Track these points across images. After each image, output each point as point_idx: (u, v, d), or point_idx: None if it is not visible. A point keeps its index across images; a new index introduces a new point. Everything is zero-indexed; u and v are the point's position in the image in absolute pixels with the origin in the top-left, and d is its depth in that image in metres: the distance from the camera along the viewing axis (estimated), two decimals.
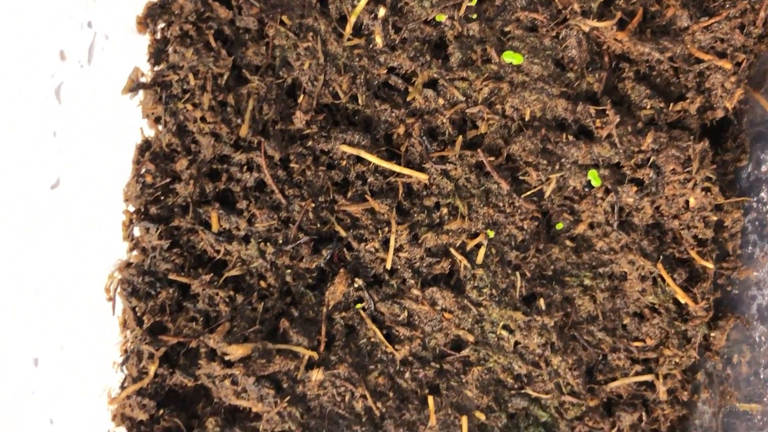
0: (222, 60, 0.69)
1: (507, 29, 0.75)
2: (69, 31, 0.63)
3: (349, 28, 0.72)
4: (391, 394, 0.76)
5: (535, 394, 0.78)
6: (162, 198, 0.70)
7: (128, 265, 0.70)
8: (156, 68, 0.68)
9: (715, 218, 0.76)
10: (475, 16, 0.73)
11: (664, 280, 0.78)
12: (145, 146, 0.69)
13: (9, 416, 0.67)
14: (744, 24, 0.74)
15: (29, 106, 0.56)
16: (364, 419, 0.75)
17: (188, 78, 0.68)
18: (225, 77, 0.69)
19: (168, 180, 0.69)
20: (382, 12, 0.72)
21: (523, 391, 0.78)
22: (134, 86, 0.66)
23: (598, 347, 0.79)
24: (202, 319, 0.71)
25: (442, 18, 0.73)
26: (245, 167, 0.71)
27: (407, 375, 0.76)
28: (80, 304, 0.66)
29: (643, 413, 0.79)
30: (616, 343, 0.79)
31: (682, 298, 0.77)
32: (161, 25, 0.68)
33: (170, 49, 0.68)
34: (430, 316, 0.76)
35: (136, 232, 0.70)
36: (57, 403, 0.63)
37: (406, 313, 0.76)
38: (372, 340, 0.76)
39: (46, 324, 0.64)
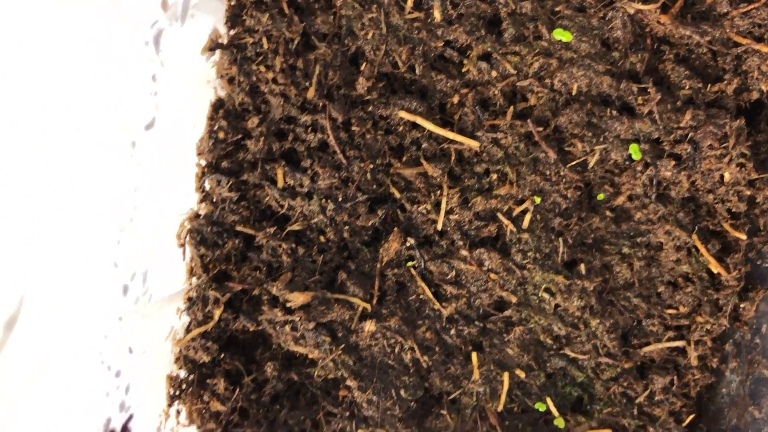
0: (294, 26, 0.74)
1: (557, 9, 0.79)
2: None
3: (410, 2, 0.77)
4: (437, 349, 0.81)
5: (573, 355, 0.82)
6: (233, 153, 0.75)
7: (198, 215, 0.75)
8: (232, 31, 0.73)
9: (748, 193, 0.81)
10: None
11: (698, 251, 0.82)
12: (218, 104, 0.74)
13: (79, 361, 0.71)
14: None
15: (130, 50, 0.61)
16: (411, 371, 0.80)
17: (262, 41, 0.73)
18: (296, 42, 0.74)
19: (239, 136, 0.74)
20: None
21: (561, 351, 0.82)
22: (212, 46, 0.71)
23: (633, 313, 0.83)
24: (265, 268, 0.76)
25: None
26: (310, 128, 0.76)
27: (453, 332, 0.81)
28: (156, 250, 0.71)
29: (675, 377, 0.83)
30: (651, 310, 0.83)
31: (715, 267, 0.82)
32: None
33: (246, 14, 0.73)
34: (477, 276, 0.80)
35: (207, 185, 0.74)
36: (124, 347, 0.68)
37: (453, 273, 0.80)
38: (421, 297, 0.80)
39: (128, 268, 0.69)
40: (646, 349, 0.83)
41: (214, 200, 0.74)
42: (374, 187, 0.78)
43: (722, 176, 0.81)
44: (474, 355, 0.81)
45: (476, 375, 0.81)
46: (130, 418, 0.66)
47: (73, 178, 0.62)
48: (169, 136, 0.67)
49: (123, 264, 0.64)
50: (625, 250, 0.82)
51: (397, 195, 0.79)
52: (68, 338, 0.61)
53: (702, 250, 0.81)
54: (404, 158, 0.79)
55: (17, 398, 0.70)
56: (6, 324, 0.61)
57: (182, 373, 0.76)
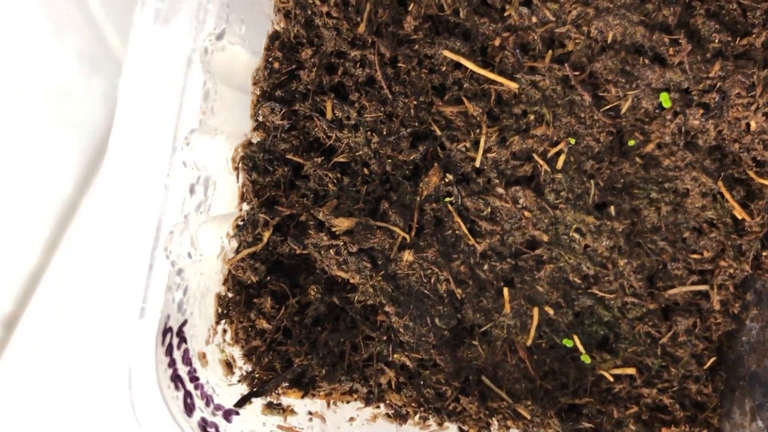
0: None
1: None
2: None
3: None
4: (470, 283, 0.84)
5: (600, 294, 0.86)
6: (286, 83, 0.79)
7: (251, 143, 0.79)
8: None
9: None
10: None
11: (723, 197, 0.86)
12: (275, 36, 0.78)
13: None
14: None
15: None
16: (446, 301, 0.83)
17: None
18: None
19: (293, 67, 0.78)
20: None
21: (589, 290, 0.86)
22: None
23: (659, 256, 0.86)
24: (312, 196, 0.80)
25: None
26: (359, 63, 0.80)
27: (486, 267, 0.85)
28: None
29: (698, 320, 0.87)
30: (676, 254, 0.86)
31: (739, 213, 0.85)
32: None
33: None
34: (511, 214, 0.84)
35: (260, 114, 0.78)
36: (186, 248, 0.71)
37: (489, 210, 0.84)
38: (456, 232, 0.84)
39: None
40: (671, 291, 0.87)
41: (267, 128, 0.78)
42: (417, 123, 0.82)
43: (748, 125, 0.84)
44: (506, 290, 0.85)
45: (507, 309, 0.84)
46: (185, 322, 0.70)
47: (148, 81, 0.66)
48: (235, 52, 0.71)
49: (190, 166, 0.68)
50: (653, 195, 0.86)
51: (438, 132, 0.83)
52: (137, 228, 0.65)
53: (727, 195, 0.85)
54: (446, 97, 0.83)
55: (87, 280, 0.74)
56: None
57: (230, 294, 0.80)
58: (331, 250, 0.78)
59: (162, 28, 0.67)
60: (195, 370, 0.72)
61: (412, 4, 0.81)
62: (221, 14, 0.70)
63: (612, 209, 0.85)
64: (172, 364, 0.69)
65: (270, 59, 0.77)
